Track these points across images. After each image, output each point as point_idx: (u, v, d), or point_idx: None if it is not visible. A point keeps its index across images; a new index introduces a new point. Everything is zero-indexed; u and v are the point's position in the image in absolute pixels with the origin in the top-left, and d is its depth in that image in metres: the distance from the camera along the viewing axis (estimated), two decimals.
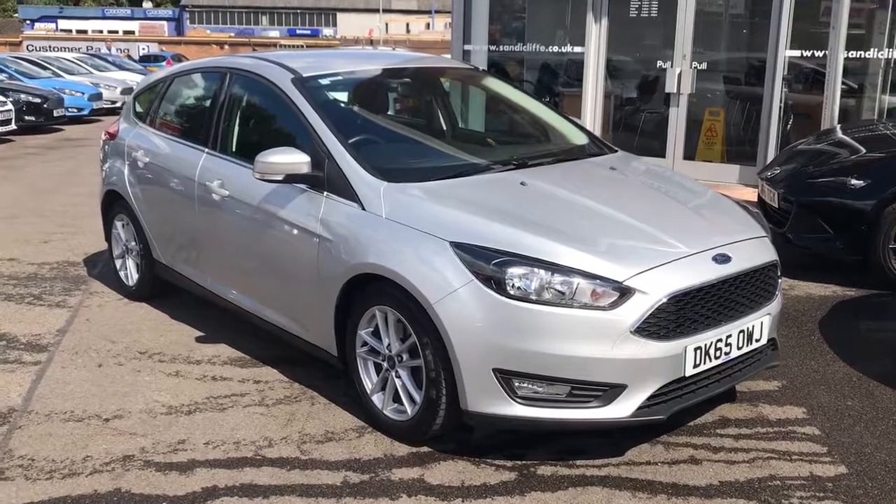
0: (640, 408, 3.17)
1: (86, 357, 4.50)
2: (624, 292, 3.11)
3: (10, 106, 14.36)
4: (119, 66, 24.46)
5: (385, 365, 3.55)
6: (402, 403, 3.49)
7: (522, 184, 3.72)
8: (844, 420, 3.70)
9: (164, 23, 70.60)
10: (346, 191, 3.68)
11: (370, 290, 3.51)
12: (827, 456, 3.38)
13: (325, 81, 4.37)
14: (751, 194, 7.32)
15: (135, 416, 3.80)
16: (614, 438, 3.48)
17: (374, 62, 4.80)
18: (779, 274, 3.69)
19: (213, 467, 3.34)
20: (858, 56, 8.07)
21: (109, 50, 25.28)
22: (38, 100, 15.64)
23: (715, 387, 3.39)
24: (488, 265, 3.16)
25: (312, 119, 3.95)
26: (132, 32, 60.38)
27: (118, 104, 19.69)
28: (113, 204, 5.53)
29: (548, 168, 4.05)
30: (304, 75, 4.25)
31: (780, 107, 8.25)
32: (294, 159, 3.76)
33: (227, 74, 4.66)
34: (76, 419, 3.77)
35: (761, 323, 3.49)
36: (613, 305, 3.11)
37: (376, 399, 3.61)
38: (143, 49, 38.81)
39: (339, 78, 4.52)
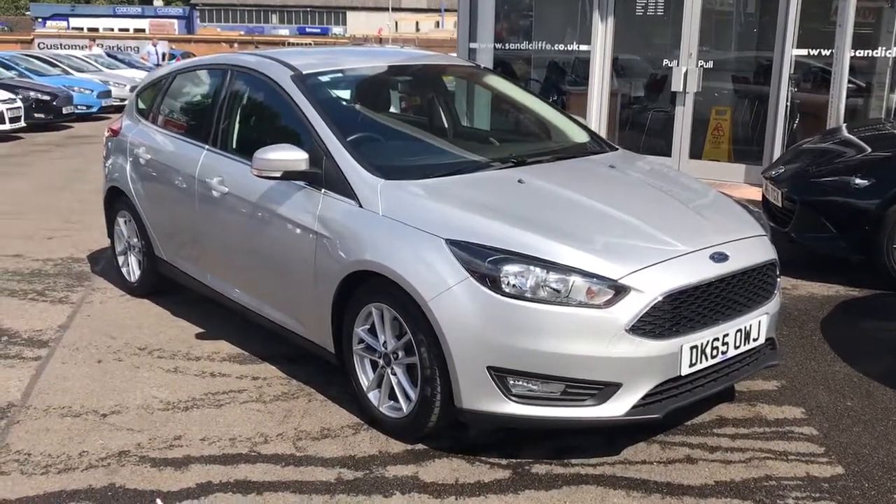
0: (634, 406, 3.15)
1: (86, 353, 4.52)
2: (619, 290, 3.10)
3: (19, 103, 14.42)
4: (129, 64, 24.52)
5: (381, 362, 3.54)
6: (397, 401, 3.49)
7: (520, 181, 3.71)
8: (843, 420, 3.67)
9: (175, 21, 70.77)
10: (344, 188, 3.68)
11: (367, 287, 3.51)
12: (824, 456, 3.36)
13: (325, 79, 4.37)
14: (756, 193, 7.28)
15: (132, 412, 3.80)
16: (610, 437, 3.47)
17: (375, 59, 4.80)
18: (777, 273, 3.66)
19: (208, 463, 3.34)
20: (866, 55, 8.02)
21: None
22: (47, 97, 15.70)
23: (711, 386, 3.37)
24: (483, 263, 3.15)
25: (311, 116, 3.95)
26: (143, 30, 60.49)
27: (127, 101, 19.76)
28: (115, 201, 5.55)
29: (546, 166, 4.04)
30: (304, 72, 4.25)
31: (787, 106, 8.21)
32: (292, 156, 3.76)
33: (227, 72, 4.67)
34: (73, 414, 3.78)
35: (759, 322, 3.47)
36: (609, 304, 3.09)
37: (372, 396, 3.61)
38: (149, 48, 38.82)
39: (340, 75, 4.52)
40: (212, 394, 3.99)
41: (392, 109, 4.94)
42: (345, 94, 4.57)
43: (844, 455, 3.37)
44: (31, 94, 15.46)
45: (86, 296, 5.51)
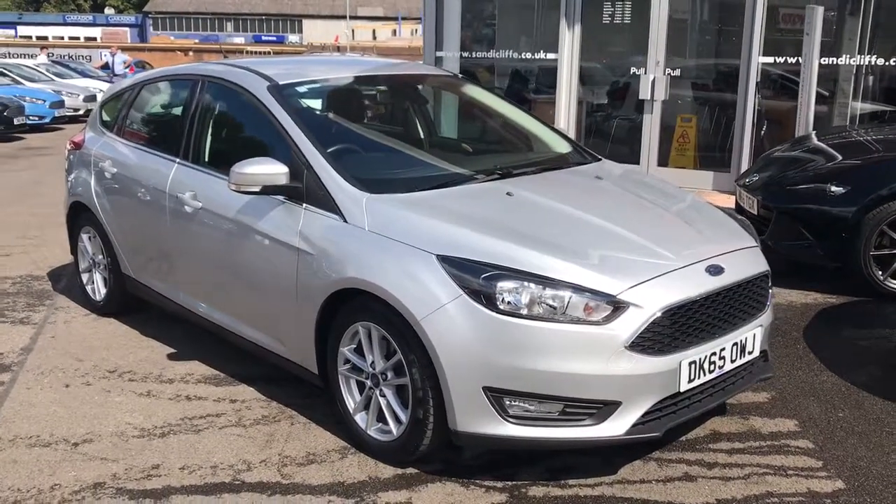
0: (634, 425, 3.07)
1: (52, 377, 4.31)
2: (617, 306, 3.02)
3: None
4: (82, 73, 23.96)
5: (369, 383, 3.42)
6: (386, 423, 3.36)
7: (509, 194, 3.62)
8: (837, 432, 3.63)
9: (127, 29, 69.55)
10: (327, 202, 3.55)
11: (353, 305, 3.38)
12: (823, 470, 3.31)
13: (301, 89, 4.24)
14: (725, 200, 7.30)
15: (105, 440, 3.62)
16: (606, 456, 3.38)
17: (351, 69, 4.67)
18: (770, 285, 3.62)
19: (190, 493, 3.18)
20: (830, 62, 8.11)
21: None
22: None
23: (709, 401, 3.31)
24: (477, 279, 3.04)
25: (290, 128, 3.81)
26: (94, 39, 59.31)
27: (81, 112, 19.28)
28: (79, 216, 5.33)
29: (533, 178, 3.95)
30: (281, 83, 4.11)
31: (754, 113, 8.26)
32: (271, 170, 3.62)
33: (198, 82, 4.50)
34: (43, 444, 3.59)
35: (754, 335, 3.42)
36: (607, 320, 3.01)
37: (359, 419, 3.48)
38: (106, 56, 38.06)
39: (317, 85, 4.39)
40: (189, 418, 3.82)
41: (367, 120, 4.81)
42: (322, 104, 4.43)
43: (843, 468, 3.33)
44: None
45: (48, 316, 5.28)
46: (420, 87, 5.04)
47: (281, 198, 3.70)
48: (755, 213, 5.97)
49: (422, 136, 4.76)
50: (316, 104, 4.37)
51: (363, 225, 3.40)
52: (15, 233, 7.63)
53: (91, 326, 5.09)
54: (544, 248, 3.16)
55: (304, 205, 3.62)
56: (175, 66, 5.41)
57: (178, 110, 4.65)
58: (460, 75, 5.40)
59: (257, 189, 3.64)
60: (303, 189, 3.63)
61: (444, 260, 3.12)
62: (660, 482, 3.23)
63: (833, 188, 5.48)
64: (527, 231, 3.28)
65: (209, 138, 4.35)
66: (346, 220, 3.46)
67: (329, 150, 3.74)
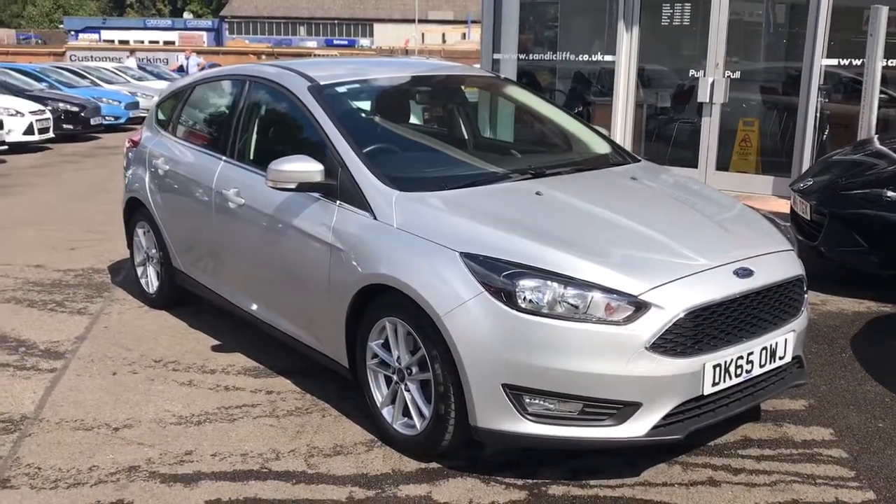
0: (655, 427, 3.05)
1: (101, 365, 4.49)
2: (639, 307, 3.00)
3: (48, 115, 14.59)
4: (158, 76, 24.76)
5: (395, 378, 3.47)
6: (411, 417, 3.41)
7: (538, 193, 3.63)
8: (874, 443, 3.53)
9: (204, 33, 71.55)
10: (359, 200, 3.62)
11: (381, 301, 3.44)
12: (854, 480, 3.23)
13: (342, 89, 4.32)
14: (784, 206, 7.12)
15: (144, 426, 3.76)
16: (630, 457, 3.36)
17: (394, 70, 4.75)
18: (805, 289, 3.54)
19: (219, 479, 3.28)
20: None
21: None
22: (75, 108, 15.88)
23: (735, 406, 3.26)
24: (499, 277, 3.07)
25: (326, 127, 3.90)
26: (172, 42, 61.21)
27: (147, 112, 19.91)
28: (135, 211, 5.54)
29: (566, 177, 3.95)
30: (321, 83, 4.20)
31: (816, 117, 8.05)
32: (307, 167, 3.70)
33: (245, 82, 4.64)
34: (86, 428, 3.74)
35: (785, 340, 3.35)
36: (628, 320, 3.00)
37: (386, 412, 3.54)
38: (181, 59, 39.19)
39: (357, 86, 4.47)
40: (225, 408, 3.94)
41: (413, 120, 4.88)
42: (363, 105, 4.52)
43: (875, 479, 3.23)
44: (61, 105, 15.65)
45: (104, 307, 5.50)
46: (462, 87, 5.07)
47: (317, 195, 3.78)
48: (808, 218, 5.82)
49: (461, 135, 4.79)
50: (355, 104, 4.45)
51: (392, 222, 3.46)
52: (83, 227, 7.96)
53: (143, 318, 5.28)
54: (568, 247, 3.16)
55: (338, 202, 3.70)
56: (228, 66, 5.57)
57: (225, 110, 4.80)
58: (503, 76, 5.42)
59: (293, 186, 3.74)
60: (337, 186, 3.71)
61: (468, 257, 3.15)
62: (683, 486, 3.20)
63: (890, 193, 5.31)
64: (552, 230, 3.29)
65: (253, 136, 4.48)
66: (376, 218, 3.53)
67: (363, 149, 3.81)
